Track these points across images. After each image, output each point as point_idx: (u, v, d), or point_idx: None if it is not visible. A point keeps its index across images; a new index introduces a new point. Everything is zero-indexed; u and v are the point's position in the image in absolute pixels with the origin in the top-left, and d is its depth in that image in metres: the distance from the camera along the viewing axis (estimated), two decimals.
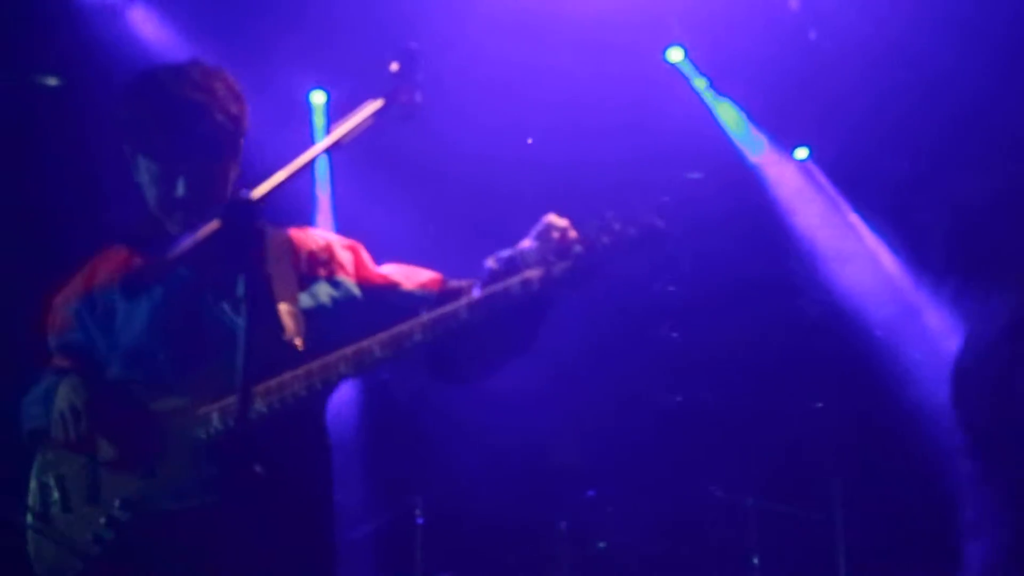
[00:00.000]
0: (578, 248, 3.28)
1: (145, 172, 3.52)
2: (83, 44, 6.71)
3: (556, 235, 3.31)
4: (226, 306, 3.47)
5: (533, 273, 3.30)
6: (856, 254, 8.11)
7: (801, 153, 8.26)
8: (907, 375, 7.58)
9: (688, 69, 7.85)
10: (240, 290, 2.74)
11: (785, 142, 8.22)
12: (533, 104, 7.53)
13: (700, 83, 7.92)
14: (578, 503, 7.18)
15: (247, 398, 2.79)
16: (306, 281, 3.59)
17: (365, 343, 3.34)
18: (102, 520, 3.32)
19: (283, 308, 3.48)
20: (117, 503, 3.31)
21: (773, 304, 7.85)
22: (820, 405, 7.44)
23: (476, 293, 3.39)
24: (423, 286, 3.63)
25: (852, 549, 7.03)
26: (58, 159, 6.63)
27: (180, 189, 3.47)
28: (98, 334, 3.55)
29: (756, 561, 6.97)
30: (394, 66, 3.34)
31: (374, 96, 3.29)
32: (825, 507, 7.11)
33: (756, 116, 8.10)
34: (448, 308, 3.34)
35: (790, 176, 8.27)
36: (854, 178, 8.14)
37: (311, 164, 3.14)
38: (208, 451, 3.31)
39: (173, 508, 3.30)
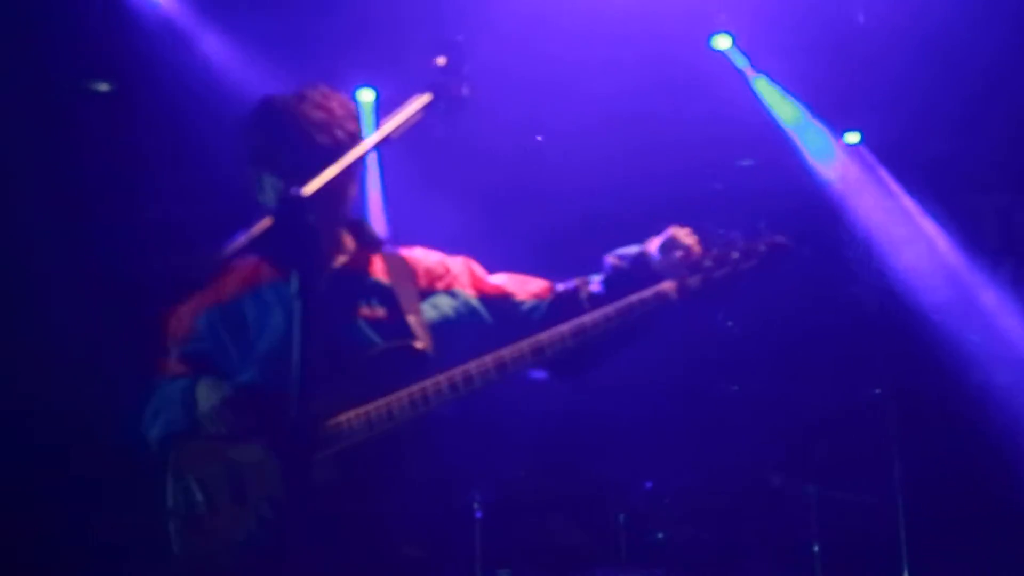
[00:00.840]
0: (709, 263, 3.43)
1: (271, 190, 3.59)
2: (135, 52, 6.76)
3: (680, 253, 3.46)
4: (359, 320, 3.57)
5: (668, 286, 3.43)
6: (912, 238, 8.06)
7: (852, 138, 8.20)
8: (965, 358, 7.53)
9: (736, 56, 7.81)
10: (294, 286, 2.76)
11: (836, 127, 8.16)
12: (581, 95, 7.53)
13: (747, 69, 7.88)
14: (636, 495, 7.17)
15: (305, 399, 2.81)
16: (426, 295, 3.70)
17: (505, 352, 3.46)
18: (253, 521, 3.39)
19: (412, 320, 3.58)
20: (265, 504, 3.39)
21: (830, 291, 7.82)
22: (879, 391, 7.39)
23: (597, 288, 3.58)
24: (536, 295, 3.74)
25: (913, 535, 6.98)
26: (105, 162, 6.69)
27: None
28: (230, 342, 3.63)
29: (816, 549, 6.92)
30: (441, 60, 3.36)
31: (421, 91, 3.31)
32: (886, 493, 7.06)
33: (807, 101, 8.05)
34: (587, 319, 3.45)
35: (842, 161, 8.22)
36: (907, 162, 8.09)
37: (361, 160, 3.23)
38: (338, 459, 3.40)
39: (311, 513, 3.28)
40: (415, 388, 3.44)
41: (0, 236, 6.40)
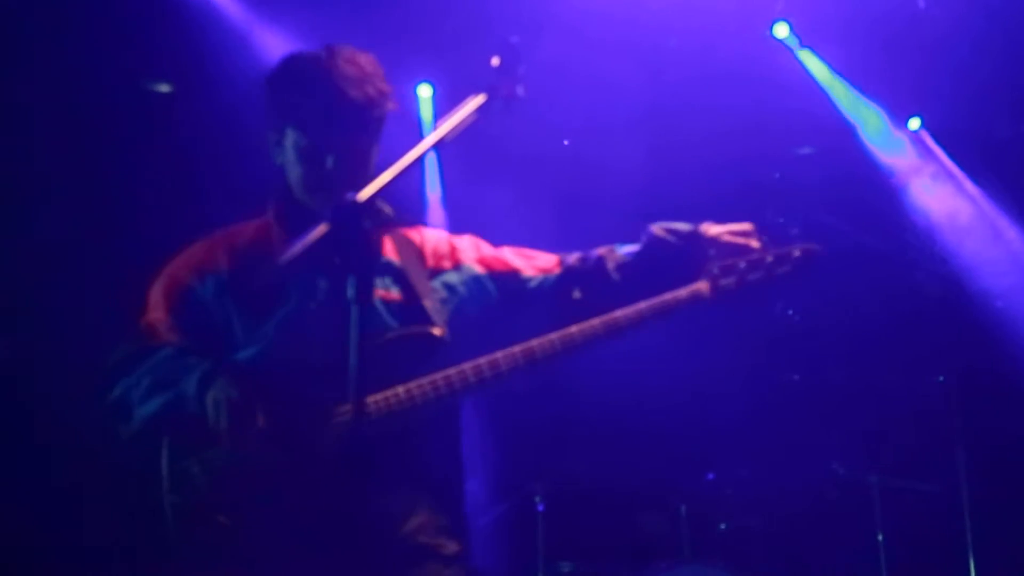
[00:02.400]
0: (743, 265, 3.48)
1: (293, 148, 3.57)
2: (193, 52, 6.80)
3: (740, 240, 3.54)
4: (378, 302, 3.53)
5: (703, 286, 3.49)
6: (974, 224, 7.98)
7: (914, 124, 8.13)
8: None
9: (795, 44, 7.77)
10: (350, 292, 2.78)
11: (898, 113, 8.09)
12: (640, 86, 7.52)
13: (807, 57, 7.83)
14: (698, 486, 7.16)
15: (361, 397, 2.82)
16: (435, 274, 3.69)
17: (535, 343, 3.46)
18: (257, 508, 3.32)
19: (427, 304, 3.56)
20: (272, 492, 3.32)
21: (892, 278, 7.77)
22: (942, 379, 7.33)
23: (627, 258, 3.60)
24: (543, 270, 3.74)
25: (978, 523, 6.92)
26: (162, 161, 6.74)
27: (329, 163, 3.51)
28: (235, 314, 3.54)
29: (881, 538, 6.88)
30: (495, 60, 3.37)
31: (476, 91, 3.33)
32: (950, 481, 7.00)
33: (866, 88, 7.99)
34: (620, 315, 3.48)
35: (904, 148, 8.15)
36: (969, 146, 8.01)
37: (418, 163, 3.19)
38: (351, 441, 3.33)
39: (315, 497, 3.31)
40: (438, 375, 3.41)
41: (50, 237, 6.45)
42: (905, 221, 8.02)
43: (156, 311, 3.59)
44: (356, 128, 3.53)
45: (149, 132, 6.81)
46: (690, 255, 3.57)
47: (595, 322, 3.47)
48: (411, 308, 3.55)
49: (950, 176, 8.06)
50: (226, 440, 3.35)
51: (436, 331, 3.49)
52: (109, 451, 3.63)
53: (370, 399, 3.36)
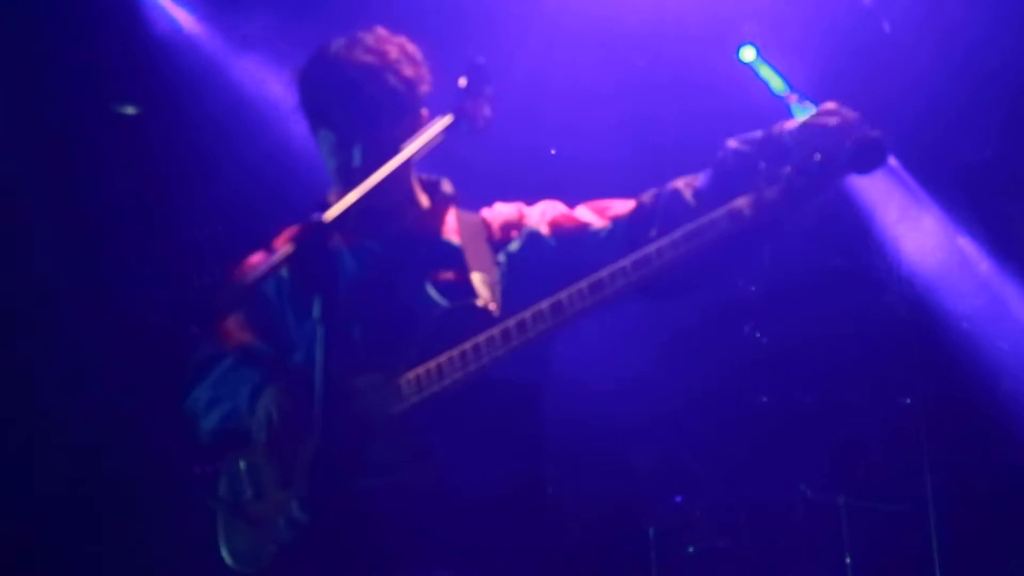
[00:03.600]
0: (788, 170, 3.08)
1: (324, 143, 3.51)
2: (159, 74, 6.80)
3: (834, 120, 3.13)
4: (427, 284, 3.46)
5: (742, 202, 3.10)
6: (941, 246, 8.01)
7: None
8: (996, 367, 7.48)
9: (762, 68, 7.80)
10: (316, 312, 2.76)
11: None
12: (602, 108, 7.53)
13: (775, 81, 7.86)
14: (666, 508, 7.15)
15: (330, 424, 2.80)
16: (500, 246, 3.58)
17: (563, 295, 3.22)
18: (295, 503, 3.19)
19: (476, 277, 3.45)
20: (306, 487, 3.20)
21: (856, 299, 7.78)
22: (909, 400, 7.35)
23: (702, 181, 3.26)
24: (616, 217, 3.50)
25: (946, 545, 6.93)
26: (129, 184, 6.73)
27: (356, 158, 3.44)
28: (290, 311, 3.52)
29: (849, 560, 6.89)
30: (462, 81, 3.35)
31: (443, 112, 3.32)
32: (917, 502, 7.02)
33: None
34: (651, 249, 3.15)
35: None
36: (934, 169, 8.04)
37: (417, 122, 3.22)
38: (406, 423, 3.27)
39: (374, 484, 3.24)
40: (467, 343, 3.26)
41: (20, 258, 6.44)
42: (872, 243, 8.04)
43: (231, 307, 3.55)
44: (380, 120, 3.45)
45: (119, 154, 6.80)
46: (771, 164, 3.14)
47: (625, 262, 3.18)
48: (462, 285, 3.44)
49: (917, 198, 8.09)
50: (270, 454, 3.33)
51: (479, 302, 3.37)
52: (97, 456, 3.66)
53: (402, 378, 3.27)
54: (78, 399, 6.39)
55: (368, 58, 3.46)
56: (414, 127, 3.44)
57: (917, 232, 7.95)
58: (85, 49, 6.52)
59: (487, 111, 3.36)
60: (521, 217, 3.64)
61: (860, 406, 7.59)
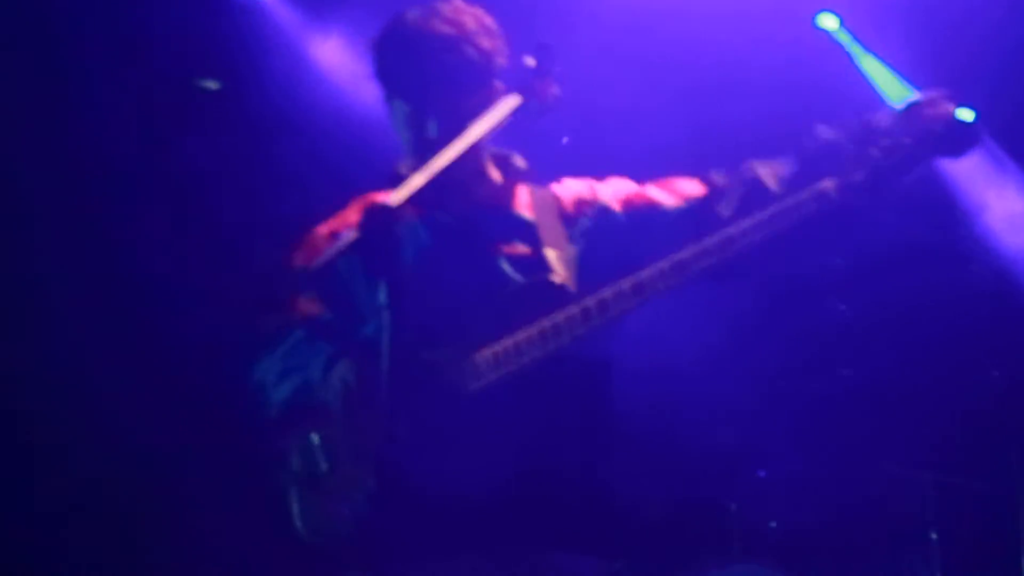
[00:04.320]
0: (875, 152, 3.13)
1: (399, 114, 3.50)
2: (243, 50, 6.83)
3: (932, 110, 3.16)
4: (500, 258, 3.45)
5: (828, 184, 3.17)
6: None
7: (966, 115, 8.00)
8: None
9: (842, 35, 7.68)
10: (382, 298, 2.76)
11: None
12: (682, 74, 7.47)
13: (856, 49, 7.75)
14: (749, 483, 7.10)
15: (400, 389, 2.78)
16: (573, 222, 3.56)
17: (644, 274, 3.23)
18: (370, 477, 3.20)
19: (551, 254, 3.44)
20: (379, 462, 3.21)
21: (943, 272, 7.66)
22: (996, 374, 7.24)
23: (789, 169, 3.26)
24: (687, 198, 3.52)
25: None
26: (220, 158, 6.77)
27: (431, 130, 3.43)
28: (359, 282, 3.44)
29: (935, 536, 6.81)
30: (530, 61, 3.34)
31: (511, 92, 3.30)
32: (1005, 479, 6.92)
33: (916, 79, 7.89)
34: (734, 231, 3.19)
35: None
36: (1018, 135, 7.89)
37: (490, 96, 3.23)
38: (483, 399, 3.26)
39: (449, 460, 3.23)
40: (545, 320, 3.24)
41: (107, 229, 6.51)
42: (957, 215, 7.92)
43: (299, 280, 3.55)
44: (456, 92, 3.43)
45: (199, 129, 6.85)
46: (860, 147, 3.19)
47: (707, 242, 3.21)
48: (536, 260, 3.44)
49: (1004, 169, 7.95)
50: (345, 427, 3.29)
51: (556, 278, 3.35)
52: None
53: (479, 354, 3.25)
54: (94, 396, 6.42)
55: (446, 28, 3.46)
56: (490, 100, 3.43)
57: (1002, 201, 7.82)
58: (169, 20, 6.54)
59: (555, 91, 3.36)
60: (593, 194, 3.63)
61: (946, 380, 7.47)
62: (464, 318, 3.33)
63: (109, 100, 6.55)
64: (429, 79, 3.41)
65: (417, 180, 2.95)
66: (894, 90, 7.90)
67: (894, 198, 3.23)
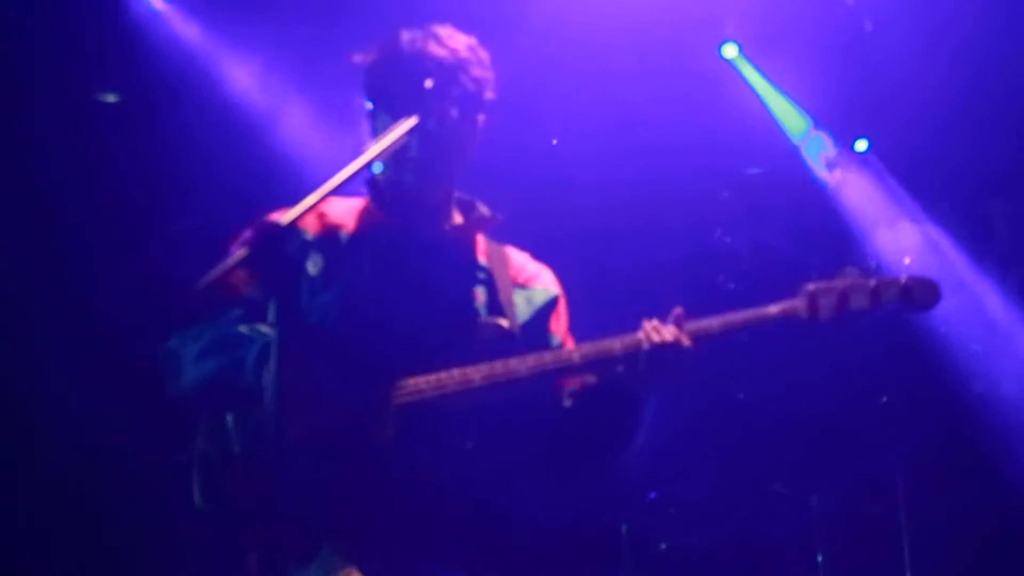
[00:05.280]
0: (841, 286, 3.40)
1: (379, 126, 3.44)
2: (143, 63, 6.79)
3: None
4: (466, 295, 3.46)
5: (799, 305, 3.43)
6: (919, 246, 8.03)
7: (861, 145, 8.18)
8: (970, 368, 7.51)
9: (743, 65, 7.81)
10: (271, 316, 2.75)
11: (844, 135, 8.14)
12: (589, 103, 7.53)
13: (755, 78, 7.87)
14: (639, 505, 7.16)
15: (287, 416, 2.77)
16: (520, 287, 3.58)
17: (575, 355, 3.33)
18: (296, 467, 3.10)
19: (504, 301, 3.48)
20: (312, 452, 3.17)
21: None
22: (884, 399, 7.37)
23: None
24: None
25: (917, 545, 6.96)
26: (127, 168, 6.72)
27: (413, 149, 3.38)
28: (305, 278, 3.39)
29: (820, 559, 6.91)
30: (428, 83, 3.36)
31: (408, 113, 3.31)
32: (890, 503, 7.04)
33: (813, 110, 8.04)
34: (713, 324, 3.38)
35: (850, 169, 8.20)
36: (916, 169, 8.05)
37: (344, 185, 3.10)
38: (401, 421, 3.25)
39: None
40: (486, 366, 3.25)
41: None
42: (850, 244, 8.06)
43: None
44: (443, 116, 3.37)
45: (98, 143, 6.79)
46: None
47: (690, 326, 3.33)
48: (494, 308, 3.46)
49: (896, 197, 8.11)
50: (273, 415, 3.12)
51: (504, 323, 3.38)
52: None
53: (412, 380, 3.25)
54: (60, 404, 6.38)
55: (442, 52, 3.44)
56: (473, 130, 3.49)
57: (896, 233, 7.97)
58: (62, 37, 6.48)
59: (454, 113, 3.38)
60: (551, 282, 3.66)
61: (834, 405, 7.59)
62: (416, 341, 3.31)
63: (13, 113, 6.49)
64: (420, 100, 3.35)
65: (310, 199, 2.94)
66: (792, 119, 8.04)
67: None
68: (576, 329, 3.68)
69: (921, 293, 3.37)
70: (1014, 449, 7.29)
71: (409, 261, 3.46)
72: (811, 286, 3.41)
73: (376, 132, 3.48)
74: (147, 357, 3.57)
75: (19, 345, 6.41)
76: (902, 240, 7.93)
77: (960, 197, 8.00)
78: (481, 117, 3.54)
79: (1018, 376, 7.46)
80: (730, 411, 7.61)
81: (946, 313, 7.69)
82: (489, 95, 3.55)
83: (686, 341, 3.31)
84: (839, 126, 8.09)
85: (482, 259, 3.58)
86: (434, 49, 3.44)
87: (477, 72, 3.50)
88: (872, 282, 3.35)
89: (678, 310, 3.36)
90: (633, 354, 3.30)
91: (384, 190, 3.54)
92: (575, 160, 7.73)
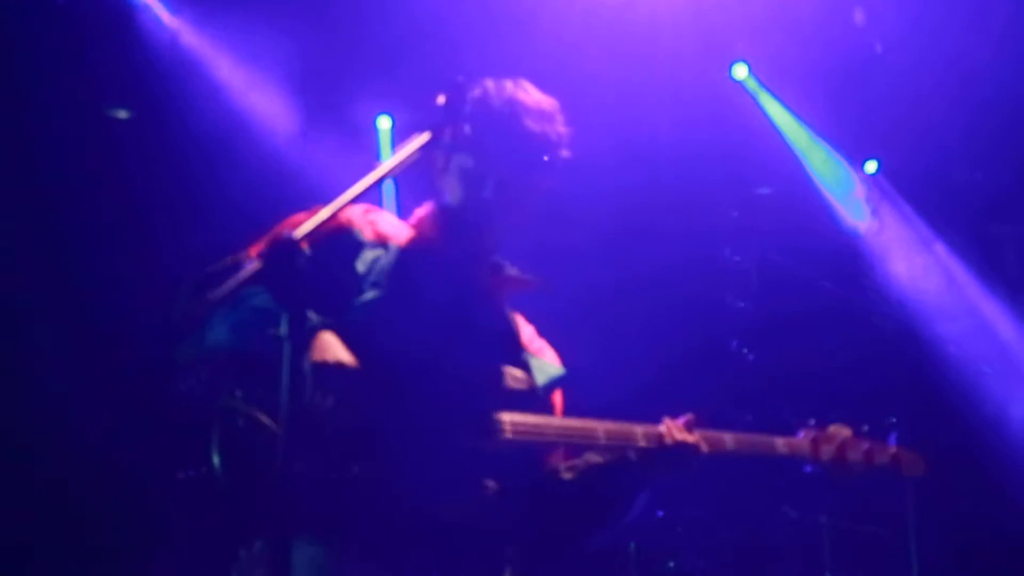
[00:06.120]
0: (840, 439, 3.87)
1: (457, 170, 3.51)
2: (152, 79, 6.83)
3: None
4: (498, 352, 3.50)
5: (804, 445, 3.86)
6: (929, 269, 8.03)
7: (871, 167, 8.19)
8: (981, 390, 7.50)
9: (753, 85, 7.83)
10: (283, 329, 2.75)
11: (854, 156, 8.15)
12: (598, 123, 7.52)
13: (766, 99, 7.89)
14: (647, 523, 7.14)
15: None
16: (531, 355, 3.62)
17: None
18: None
19: (530, 363, 3.54)
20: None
21: (846, 321, 7.79)
22: (893, 420, 7.35)
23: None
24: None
25: (926, 567, 6.94)
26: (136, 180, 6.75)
27: (489, 190, 3.47)
28: (348, 275, 3.40)
29: None
30: (441, 99, 3.37)
31: (422, 129, 3.33)
32: (898, 525, 7.03)
33: (823, 131, 8.05)
34: (729, 440, 3.73)
35: (860, 191, 8.21)
36: (926, 191, 8.07)
37: (357, 200, 3.11)
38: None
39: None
40: (531, 419, 3.35)
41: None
42: (860, 265, 8.07)
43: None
44: (526, 160, 3.50)
45: (108, 159, 6.81)
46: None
47: (706, 435, 3.66)
48: (518, 365, 3.52)
49: (906, 219, 8.12)
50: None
51: (529, 379, 3.47)
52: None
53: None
54: (65, 411, 6.40)
55: (532, 101, 3.56)
56: (545, 182, 3.58)
57: (906, 254, 7.97)
58: (74, 54, 6.52)
59: (467, 129, 3.40)
60: (554, 360, 3.69)
61: (844, 424, 7.57)
62: (447, 365, 3.32)
63: (23, 130, 6.52)
64: (506, 141, 3.46)
65: (325, 212, 2.95)
66: (802, 140, 8.06)
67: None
68: (588, 345, 3.71)
69: (909, 464, 3.96)
70: (1023, 470, 7.29)
71: (455, 288, 3.49)
72: (812, 433, 3.82)
73: (445, 165, 3.55)
74: (154, 365, 3.55)
75: (27, 353, 6.43)
76: (912, 262, 7.94)
77: (969, 219, 8.01)
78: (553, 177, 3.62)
79: None
80: (738, 430, 7.59)
81: (956, 334, 7.70)
82: (565, 153, 3.63)
83: (705, 449, 3.61)
84: (849, 148, 8.10)
85: (509, 315, 3.65)
86: (535, 118, 3.54)
87: (561, 129, 3.60)
88: (865, 444, 3.84)
89: (690, 417, 3.67)
90: (654, 448, 3.51)
91: (449, 218, 3.58)
92: (584, 178, 7.71)
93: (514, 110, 3.52)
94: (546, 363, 3.64)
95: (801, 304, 7.68)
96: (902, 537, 6.98)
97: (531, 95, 3.59)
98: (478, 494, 3.32)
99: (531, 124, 3.51)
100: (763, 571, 7.30)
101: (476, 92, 3.55)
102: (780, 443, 3.73)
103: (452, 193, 3.54)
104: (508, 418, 3.32)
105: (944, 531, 7.20)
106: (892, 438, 3.94)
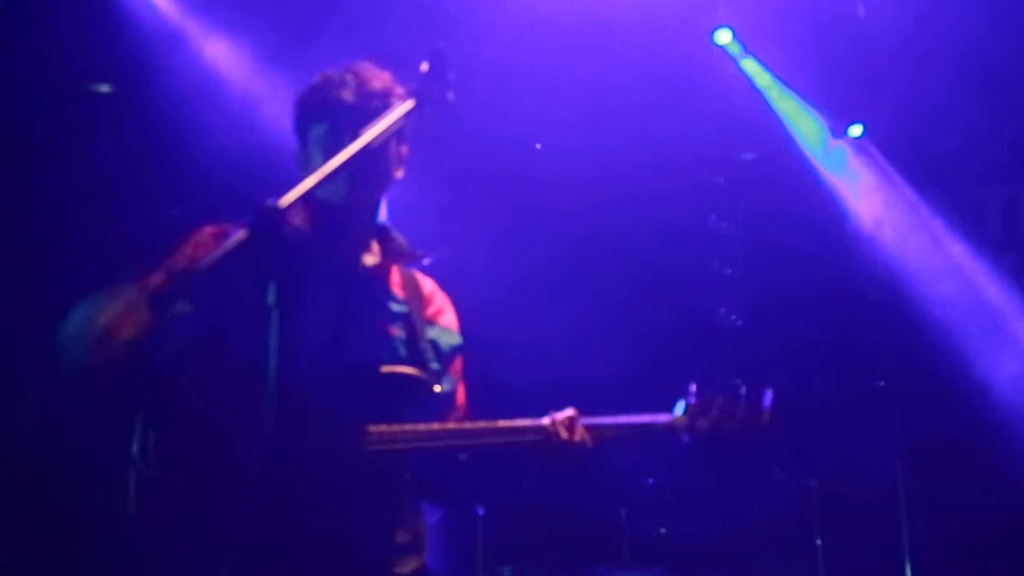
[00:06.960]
0: (715, 412, 3.94)
1: (315, 142, 3.53)
2: (134, 54, 6.79)
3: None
4: (385, 331, 3.49)
5: (681, 422, 3.83)
6: (914, 231, 8.04)
7: (856, 130, 8.18)
8: (967, 351, 7.52)
9: (737, 50, 7.81)
10: (271, 298, 2.74)
11: (839, 120, 8.15)
12: (583, 92, 7.53)
13: (749, 64, 7.87)
14: (639, 490, 7.17)
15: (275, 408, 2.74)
16: (430, 323, 3.63)
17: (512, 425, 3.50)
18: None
19: (424, 347, 3.53)
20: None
21: (832, 283, 7.81)
22: (882, 383, 7.38)
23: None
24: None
25: (915, 529, 6.97)
26: (105, 162, 6.71)
27: (347, 141, 3.31)
28: (248, 283, 3.26)
29: (819, 543, 6.92)
30: (424, 66, 3.35)
31: (405, 98, 3.31)
32: (887, 486, 7.05)
33: (808, 95, 8.04)
34: (607, 423, 3.67)
35: (845, 154, 8.21)
36: (910, 154, 8.07)
37: (390, 160, 3.23)
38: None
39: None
40: (422, 427, 3.35)
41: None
42: (846, 228, 8.07)
43: (162, 268, 3.34)
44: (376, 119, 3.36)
45: (90, 133, 6.78)
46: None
47: (587, 423, 3.60)
48: (412, 348, 3.51)
49: (891, 183, 8.12)
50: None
51: (436, 388, 3.48)
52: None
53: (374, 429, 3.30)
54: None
55: (372, 72, 3.56)
56: (401, 142, 3.58)
57: (890, 217, 7.98)
58: (52, 29, 6.48)
59: (450, 96, 3.38)
60: (451, 323, 3.69)
61: (832, 389, 7.61)
62: (350, 381, 3.32)
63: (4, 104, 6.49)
64: (357, 104, 3.46)
65: (308, 182, 2.93)
66: (786, 105, 8.05)
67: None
68: (577, 312, 3.70)
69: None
70: (1011, 430, 7.31)
71: (330, 281, 3.46)
72: (691, 405, 3.89)
73: (311, 143, 3.55)
74: None
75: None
76: (896, 225, 7.95)
77: (953, 181, 8.01)
78: (405, 148, 3.63)
79: (1014, 358, 7.47)
80: (728, 396, 7.60)
81: (942, 296, 7.72)
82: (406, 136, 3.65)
83: (590, 444, 3.62)
84: (834, 111, 8.09)
85: (398, 292, 3.60)
86: (366, 71, 3.57)
87: (402, 93, 3.56)
88: (741, 411, 3.95)
89: (574, 413, 3.63)
90: (541, 444, 3.55)
91: (313, 206, 3.52)
92: (569, 146, 7.73)
93: (360, 77, 3.54)
94: (444, 332, 3.63)
95: (788, 269, 7.68)
96: (891, 498, 7.01)
97: (370, 68, 3.59)
98: (362, 499, 3.29)
99: (377, 84, 3.53)
100: (753, 535, 7.32)
101: (322, 79, 3.58)
102: (660, 421, 3.80)
103: (315, 165, 3.45)
104: (378, 430, 3.30)
105: (934, 492, 7.22)
106: (767, 396, 4.02)
